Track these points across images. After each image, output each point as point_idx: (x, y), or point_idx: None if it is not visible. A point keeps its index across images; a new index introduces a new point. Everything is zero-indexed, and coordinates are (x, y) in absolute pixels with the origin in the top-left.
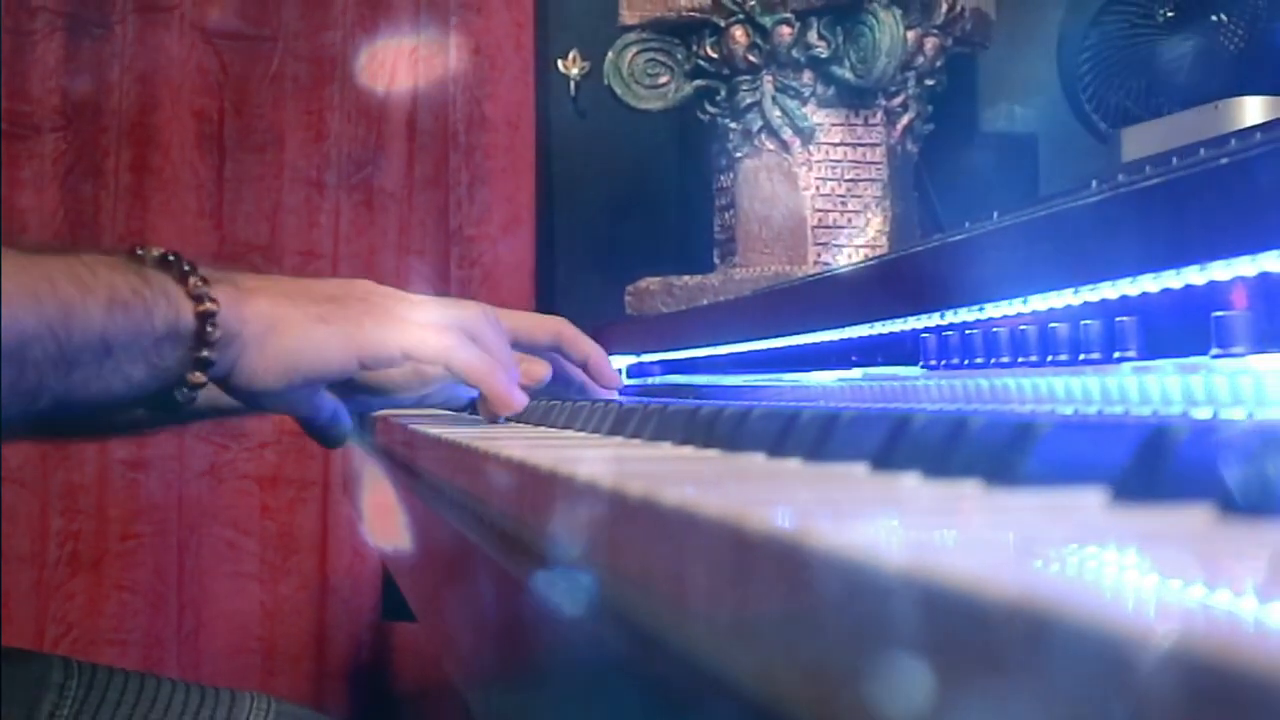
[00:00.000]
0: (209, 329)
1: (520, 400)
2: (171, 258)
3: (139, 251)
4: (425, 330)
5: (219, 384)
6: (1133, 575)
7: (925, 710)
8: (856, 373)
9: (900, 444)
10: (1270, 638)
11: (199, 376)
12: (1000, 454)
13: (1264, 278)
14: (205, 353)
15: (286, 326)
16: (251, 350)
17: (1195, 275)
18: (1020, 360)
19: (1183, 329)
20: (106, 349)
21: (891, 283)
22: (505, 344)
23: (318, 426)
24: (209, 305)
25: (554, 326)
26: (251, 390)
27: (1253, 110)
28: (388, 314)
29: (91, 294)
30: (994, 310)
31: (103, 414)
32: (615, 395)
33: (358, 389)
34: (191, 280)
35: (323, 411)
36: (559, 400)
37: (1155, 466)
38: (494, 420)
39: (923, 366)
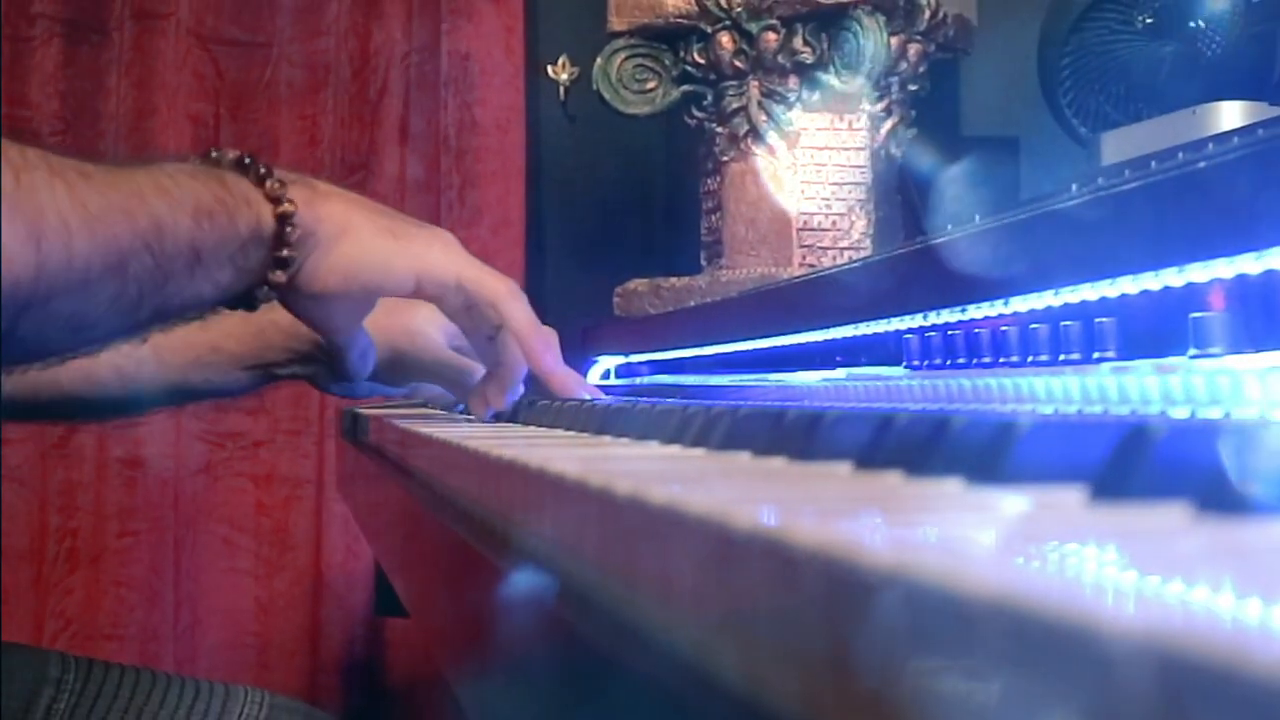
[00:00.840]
0: (289, 229)
1: (555, 364)
2: (248, 160)
3: (214, 154)
4: (485, 271)
5: (284, 288)
6: (1111, 572)
7: (908, 705)
8: (841, 373)
9: (883, 443)
10: (1244, 633)
11: (280, 275)
12: (981, 453)
13: (1240, 280)
14: (285, 252)
15: (357, 232)
16: (321, 250)
17: (1173, 277)
18: (1001, 360)
19: (1161, 330)
20: (197, 257)
21: (875, 284)
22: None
23: (348, 358)
24: (287, 206)
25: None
26: (311, 292)
27: (1230, 115)
28: (452, 246)
29: (180, 206)
30: (976, 311)
31: (194, 317)
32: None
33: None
34: (269, 183)
35: (358, 344)
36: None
37: (1133, 465)
38: (484, 418)
39: (906, 367)
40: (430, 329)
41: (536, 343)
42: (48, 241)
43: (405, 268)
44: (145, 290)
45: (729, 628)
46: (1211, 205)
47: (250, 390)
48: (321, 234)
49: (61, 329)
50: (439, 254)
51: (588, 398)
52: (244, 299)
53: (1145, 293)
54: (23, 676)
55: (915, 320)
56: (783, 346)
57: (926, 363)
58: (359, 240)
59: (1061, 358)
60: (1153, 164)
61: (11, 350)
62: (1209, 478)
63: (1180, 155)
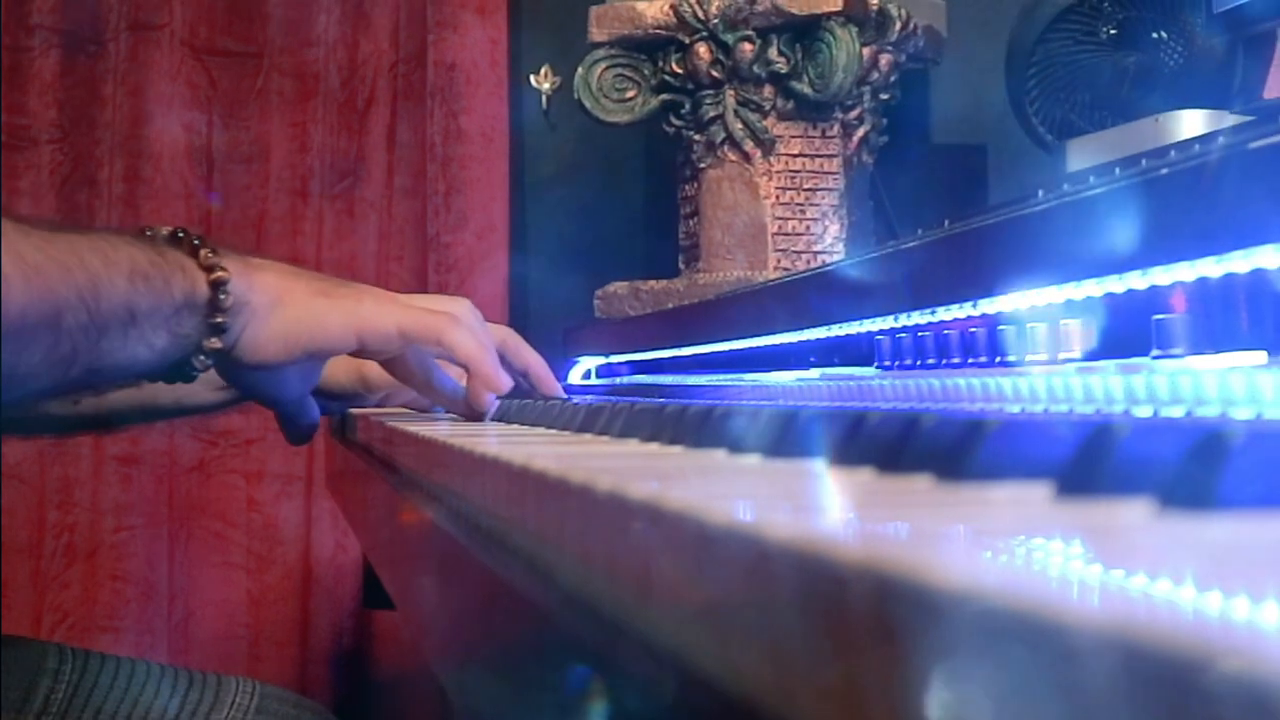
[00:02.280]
0: (222, 296)
1: (506, 383)
2: (181, 234)
3: (148, 232)
4: (420, 312)
5: (223, 358)
6: (1076, 566)
7: (878, 695)
8: (814, 373)
9: (856, 441)
10: (1205, 625)
11: (216, 342)
12: (951, 450)
13: (1201, 283)
14: (220, 319)
15: (291, 299)
16: (258, 320)
17: (1136, 280)
18: (970, 361)
19: (1125, 331)
20: (132, 317)
21: (848, 287)
22: (489, 335)
23: (300, 424)
24: (221, 274)
25: (500, 335)
26: (254, 362)
27: (1191, 123)
28: (386, 296)
29: (115, 266)
30: (945, 314)
31: (129, 381)
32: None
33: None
34: (202, 252)
35: (309, 411)
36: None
37: (1098, 462)
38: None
39: (877, 367)
40: None
41: (486, 369)
42: None
43: (343, 325)
44: (79, 346)
45: (706, 619)
46: (1173, 210)
47: (221, 409)
48: (256, 303)
49: None
50: (372, 307)
51: (560, 397)
52: (181, 369)
53: (1109, 295)
54: (21, 667)
55: (886, 322)
56: (758, 347)
57: (897, 363)
58: (294, 305)
59: (1028, 358)
60: (1116, 171)
61: None
62: (1171, 474)
63: (1143, 162)
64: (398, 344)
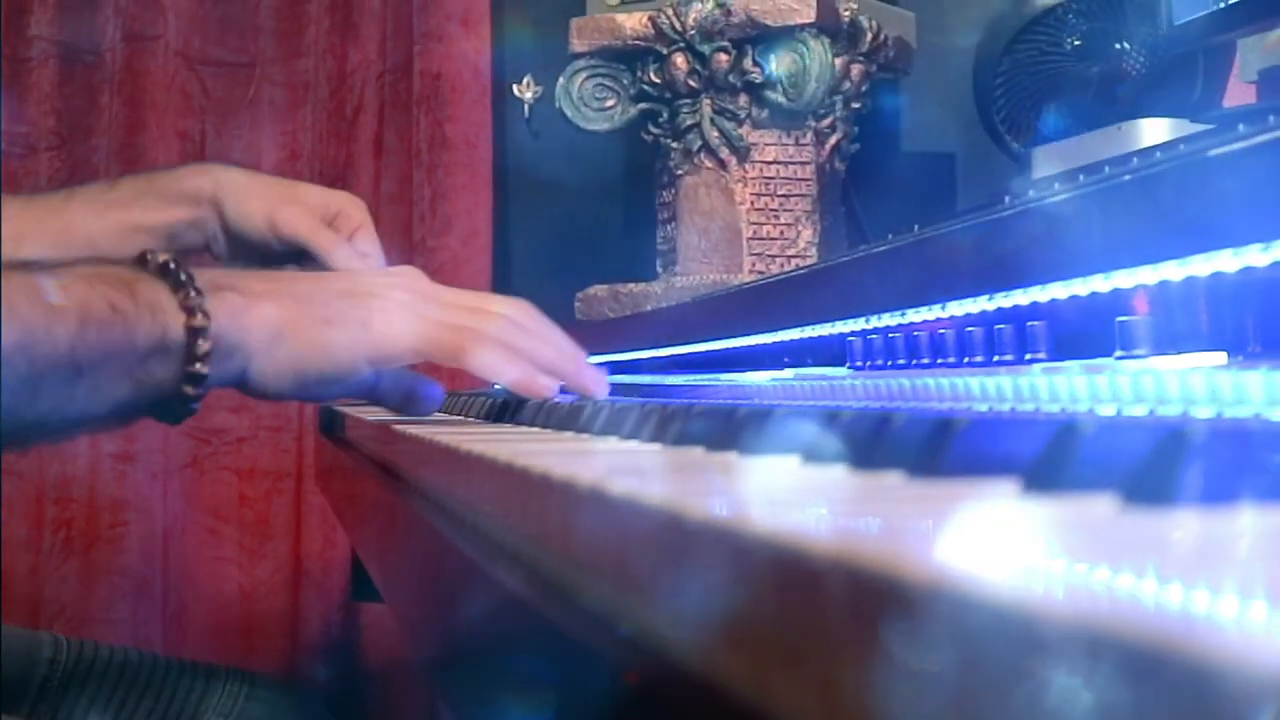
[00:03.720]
0: (199, 343)
1: (547, 390)
2: (172, 265)
3: (147, 257)
4: (440, 328)
5: (239, 389)
6: (1042, 560)
7: (851, 683)
8: (789, 373)
9: (829, 439)
10: (1167, 618)
11: (191, 390)
12: (921, 448)
13: (1163, 286)
14: (196, 367)
15: (293, 332)
16: (260, 358)
17: (1100, 283)
18: (939, 361)
19: (1089, 332)
20: (76, 370)
21: (820, 290)
22: (549, 332)
23: (394, 407)
24: (199, 320)
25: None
26: (268, 395)
27: (1153, 131)
28: (403, 310)
29: (57, 315)
30: (915, 315)
31: (88, 432)
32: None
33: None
34: (183, 292)
35: (392, 395)
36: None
37: (1063, 460)
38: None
39: (849, 367)
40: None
41: (526, 388)
42: None
43: (349, 354)
44: (11, 404)
45: (683, 612)
46: (1136, 215)
47: None
48: (252, 343)
49: None
50: (381, 329)
51: (598, 396)
52: (161, 412)
53: (1074, 298)
54: (19, 657)
55: (858, 324)
56: (734, 348)
57: (869, 363)
58: (296, 339)
59: (996, 359)
60: (1081, 177)
61: None
62: (1134, 471)
63: (1107, 169)
64: (415, 361)
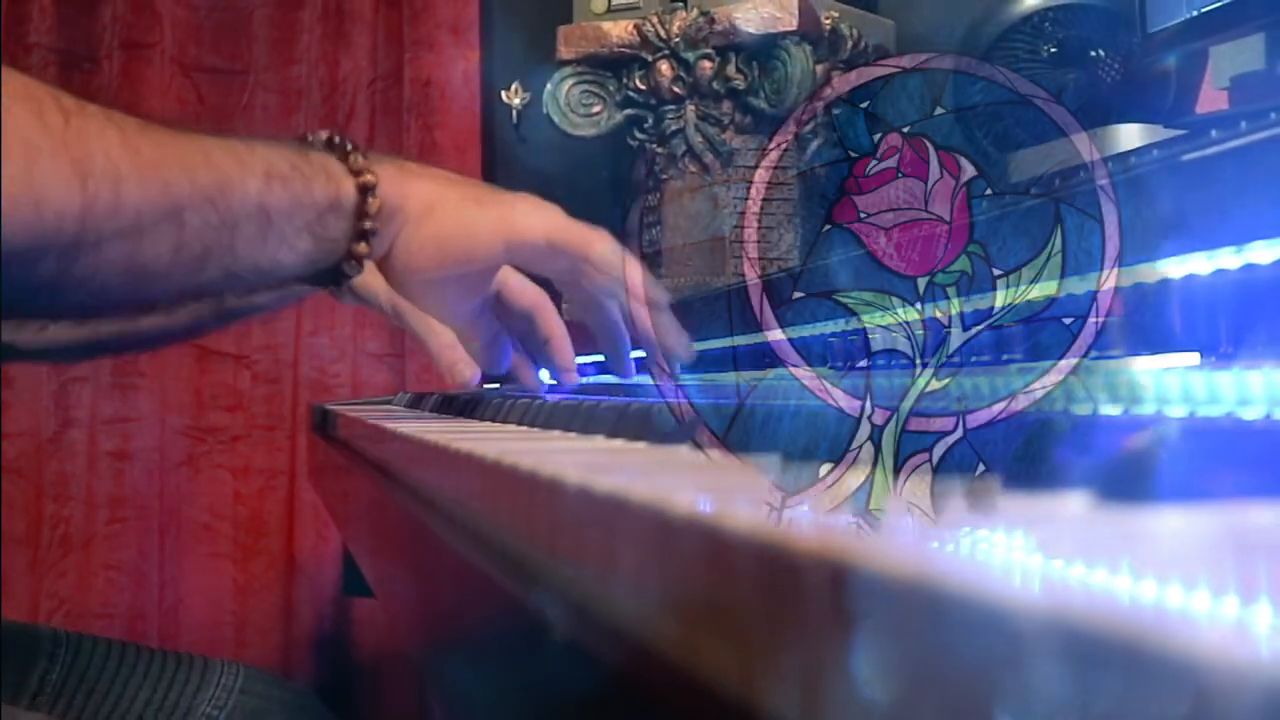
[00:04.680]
0: (370, 200)
1: (658, 300)
2: (337, 139)
3: (309, 137)
4: (570, 223)
5: (379, 266)
6: (1019, 555)
7: (834, 677)
8: (769, 372)
9: (809, 436)
10: (1140, 611)
11: (363, 248)
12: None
13: (1138, 288)
14: (367, 224)
15: (444, 207)
16: (410, 227)
17: (1074, 285)
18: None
19: (1064, 334)
20: (267, 219)
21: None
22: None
23: (477, 350)
24: (368, 178)
25: (536, 296)
26: (408, 271)
27: (1127, 137)
28: (541, 206)
29: (247, 168)
30: (894, 317)
31: (274, 283)
32: (571, 379)
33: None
34: (352, 157)
35: (483, 334)
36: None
37: (1039, 458)
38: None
39: (830, 367)
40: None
41: (631, 284)
42: (94, 181)
43: (491, 232)
44: (210, 246)
45: (667, 604)
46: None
47: (280, 303)
48: (409, 210)
49: (120, 277)
50: (523, 214)
51: (681, 355)
52: (330, 274)
53: (1048, 299)
54: (19, 651)
55: (838, 325)
56: (716, 349)
57: (849, 364)
58: (445, 214)
59: (973, 359)
60: (1056, 182)
61: (73, 297)
62: (1108, 469)
63: (1081, 174)
64: (545, 252)
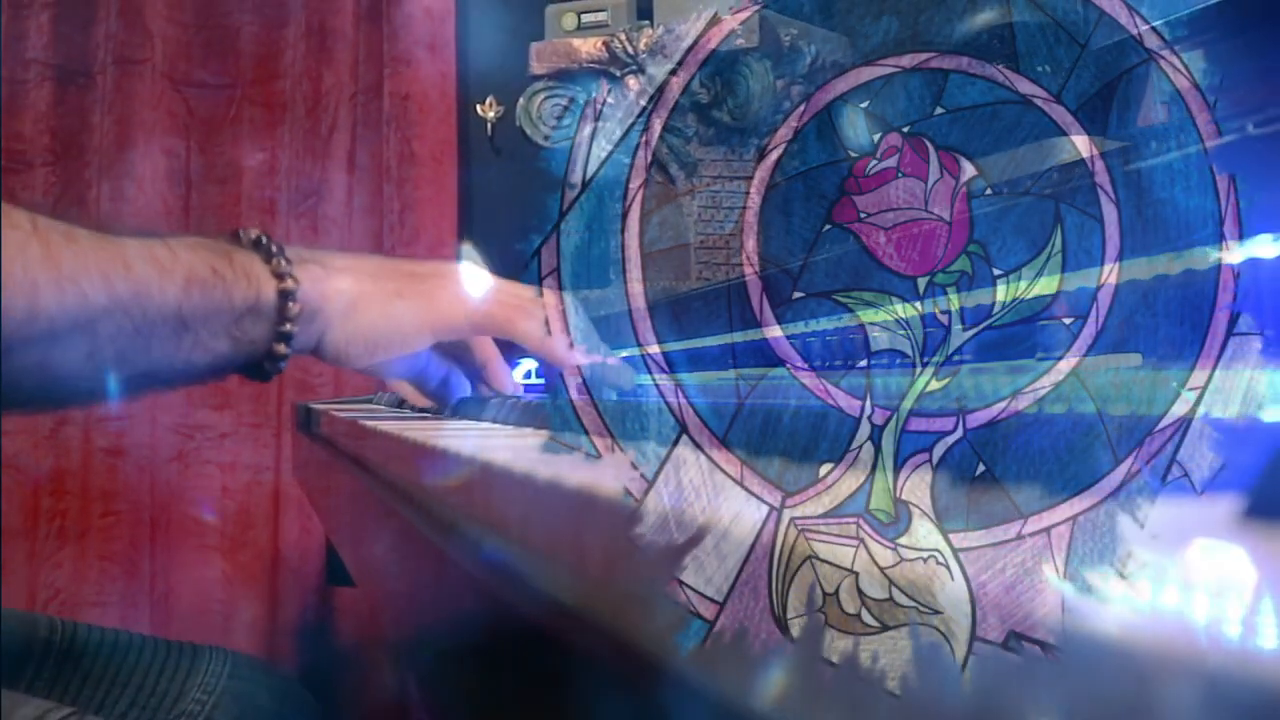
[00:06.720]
0: (289, 304)
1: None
2: (263, 239)
3: (240, 233)
4: (493, 304)
5: (316, 356)
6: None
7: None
8: (732, 373)
9: (774, 435)
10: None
11: (283, 348)
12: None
13: (1080, 293)
14: (287, 326)
15: (366, 303)
16: (335, 326)
17: (1020, 289)
18: (874, 362)
19: (1011, 335)
20: (183, 323)
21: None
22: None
23: (429, 392)
24: (288, 284)
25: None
26: (340, 361)
27: (1070, 148)
28: (462, 287)
29: (167, 275)
30: (851, 319)
31: (194, 382)
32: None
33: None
34: (275, 260)
35: (430, 379)
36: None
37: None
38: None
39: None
40: None
41: (556, 358)
42: (9, 293)
43: (416, 325)
44: (124, 351)
45: (643, 599)
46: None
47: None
48: (329, 311)
49: (33, 379)
50: (446, 304)
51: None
52: (253, 369)
53: (1000, 303)
54: (18, 637)
55: (798, 327)
56: (682, 350)
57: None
58: (369, 310)
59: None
60: (1004, 190)
61: None
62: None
63: (1029, 183)
64: (471, 335)
